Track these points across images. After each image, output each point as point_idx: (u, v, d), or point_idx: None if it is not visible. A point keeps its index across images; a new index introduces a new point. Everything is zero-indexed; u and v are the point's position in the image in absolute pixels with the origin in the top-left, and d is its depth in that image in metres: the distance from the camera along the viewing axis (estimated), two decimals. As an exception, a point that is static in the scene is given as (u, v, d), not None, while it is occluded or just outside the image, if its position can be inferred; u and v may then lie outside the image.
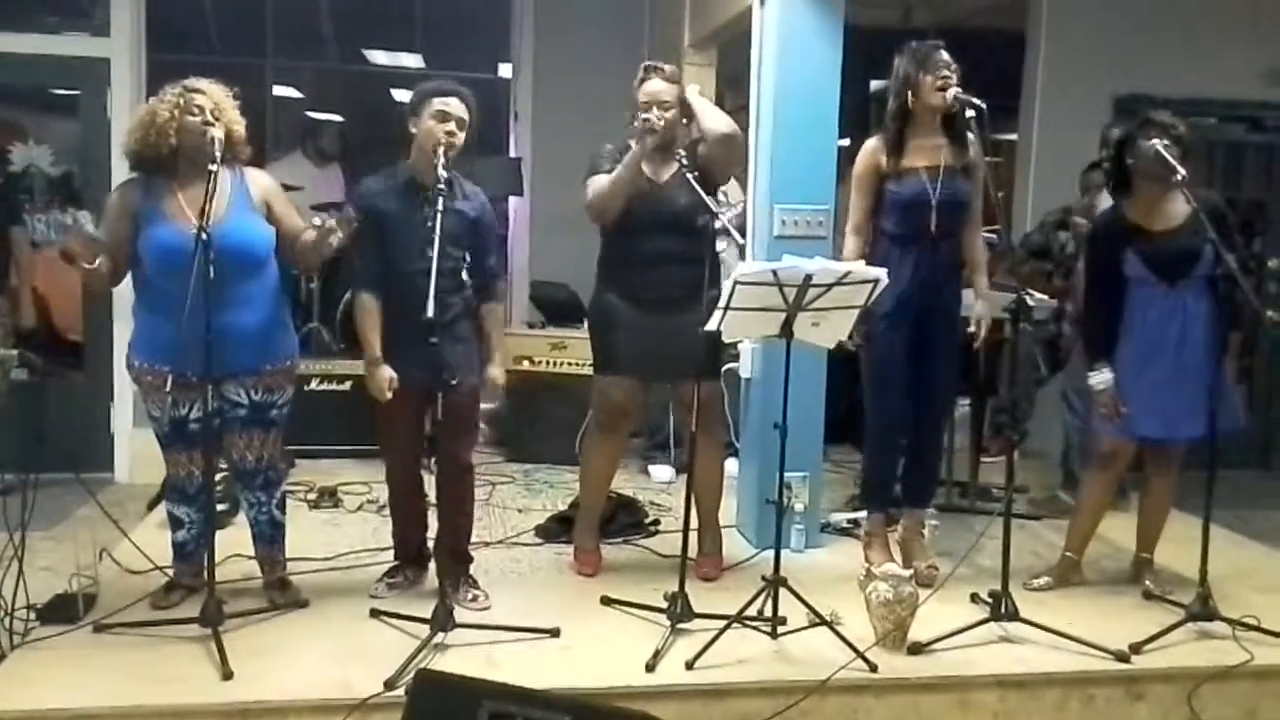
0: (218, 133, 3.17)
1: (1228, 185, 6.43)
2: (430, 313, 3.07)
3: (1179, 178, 3.48)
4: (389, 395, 3.41)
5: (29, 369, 4.39)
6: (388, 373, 3.42)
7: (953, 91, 3.64)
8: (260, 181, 3.44)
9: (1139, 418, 3.73)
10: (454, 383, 3.34)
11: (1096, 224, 4.04)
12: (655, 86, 3.72)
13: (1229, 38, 6.20)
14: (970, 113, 3.56)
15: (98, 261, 3.13)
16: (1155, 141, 3.55)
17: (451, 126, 3.41)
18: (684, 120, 3.80)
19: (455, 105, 3.44)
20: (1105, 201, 4.36)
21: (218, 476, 3.48)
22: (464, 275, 3.51)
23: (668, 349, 3.70)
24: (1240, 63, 6.19)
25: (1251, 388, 6.43)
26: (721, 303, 3.20)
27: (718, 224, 3.52)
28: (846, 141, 4.51)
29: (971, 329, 3.90)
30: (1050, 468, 5.44)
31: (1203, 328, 3.67)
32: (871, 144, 3.85)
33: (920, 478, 4.08)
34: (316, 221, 3.27)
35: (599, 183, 3.72)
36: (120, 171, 5.22)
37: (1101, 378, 3.74)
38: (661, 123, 3.66)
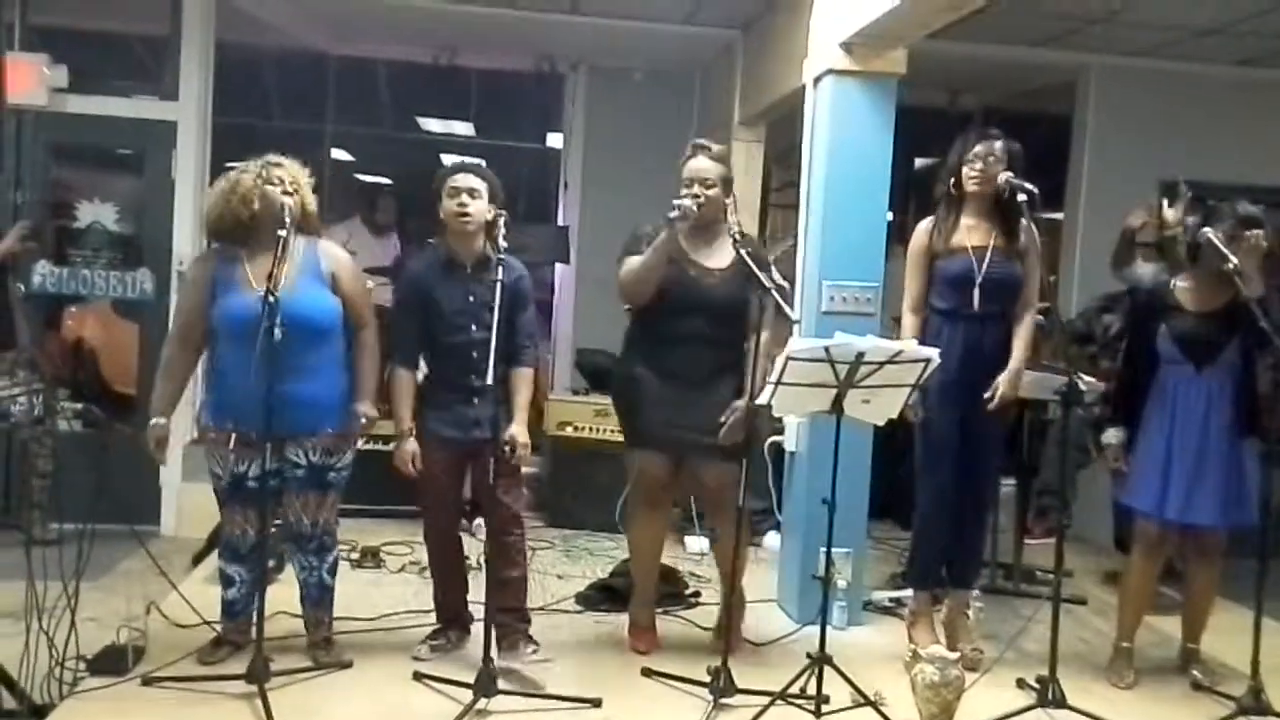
0: (292, 201, 3.35)
1: (1275, 270, 6.38)
2: (489, 380, 3.16)
3: (1229, 266, 3.52)
4: (412, 470, 3.53)
5: (86, 422, 4.49)
6: (413, 448, 3.54)
7: (1004, 176, 3.68)
8: (332, 254, 3.56)
9: (1158, 496, 3.72)
10: (494, 437, 3.40)
11: (1140, 293, 4.09)
12: (699, 164, 3.69)
13: (1278, 123, 6.22)
14: (1021, 196, 3.61)
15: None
16: (1207, 230, 3.61)
17: (463, 199, 3.52)
18: (728, 199, 3.77)
19: (462, 178, 3.55)
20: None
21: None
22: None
23: (689, 424, 3.65)
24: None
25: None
26: (773, 377, 3.23)
27: (770, 299, 3.51)
28: (890, 216, 4.56)
29: (987, 394, 3.75)
30: (1094, 551, 5.37)
31: (1227, 416, 3.67)
32: (924, 225, 3.92)
33: (964, 557, 4.03)
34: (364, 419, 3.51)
35: (631, 264, 3.67)
36: (181, 230, 5.45)
37: (1112, 434, 3.87)
38: (697, 204, 3.60)
